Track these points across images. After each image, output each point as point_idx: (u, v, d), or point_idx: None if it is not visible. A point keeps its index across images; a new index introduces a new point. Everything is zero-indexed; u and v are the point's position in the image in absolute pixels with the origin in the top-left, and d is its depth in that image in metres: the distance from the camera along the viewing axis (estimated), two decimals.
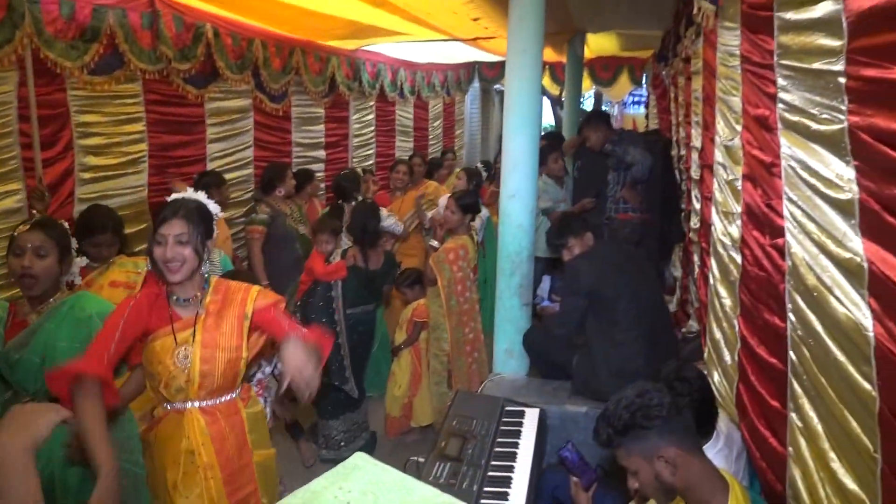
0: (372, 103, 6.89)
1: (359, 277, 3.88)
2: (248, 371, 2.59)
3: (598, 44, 7.80)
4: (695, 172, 3.55)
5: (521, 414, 2.83)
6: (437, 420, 4.13)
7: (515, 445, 2.58)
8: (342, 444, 3.85)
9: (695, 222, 3.50)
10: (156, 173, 4.24)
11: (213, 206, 2.19)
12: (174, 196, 2.16)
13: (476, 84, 9.89)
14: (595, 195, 5.23)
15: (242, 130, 5.09)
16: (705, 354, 2.85)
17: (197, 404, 2.08)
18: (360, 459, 1.95)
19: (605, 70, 8.96)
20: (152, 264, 2.06)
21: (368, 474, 1.87)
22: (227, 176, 4.92)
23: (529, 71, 3.41)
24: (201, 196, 2.19)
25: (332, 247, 3.84)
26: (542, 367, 3.48)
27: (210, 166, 4.75)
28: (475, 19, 4.78)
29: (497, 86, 10.78)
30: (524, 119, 3.42)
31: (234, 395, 2.15)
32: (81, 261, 2.50)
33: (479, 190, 5.44)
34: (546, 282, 5.56)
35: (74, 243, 2.39)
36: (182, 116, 4.45)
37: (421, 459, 2.47)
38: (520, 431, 2.69)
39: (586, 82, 8.76)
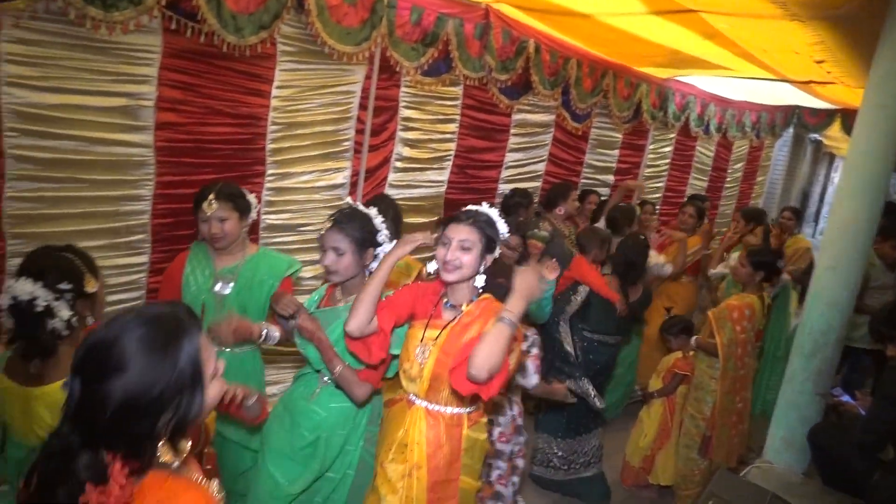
0: (672, 135, 6.57)
1: (607, 307, 3.72)
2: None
3: None
4: None
5: None
6: (678, 483, 3.79)
7: None
8: (561, 467, 3.72)
9: None
10: (457, 172, 4.51)
11: (501, 226, 2.16)
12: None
13: (790, 130, 8.87)
14: None
15: (540, 144, 5.18)
16: None
17: (424, 404, 2.12)
18: None
19: None
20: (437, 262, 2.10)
21: None
22: (516, 186, 5.06)
23: (884, 128, 2.89)
24: (494, 212, 2.17)
25: (602, 258, 3.76)
26: (827, 471, 2.95)
27: (504, 174, 4.92)
28: (819, 62, 4.24)
29: (813, 135, 9.56)
30: (867, 181, 2.91)
31: (462, 411, 2.13)
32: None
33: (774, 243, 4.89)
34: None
35: None
36: (490, 123, 4.67)
37: None
38: None
39: None
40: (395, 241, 2.32)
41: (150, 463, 1.11)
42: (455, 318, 2.11)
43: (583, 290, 3.73)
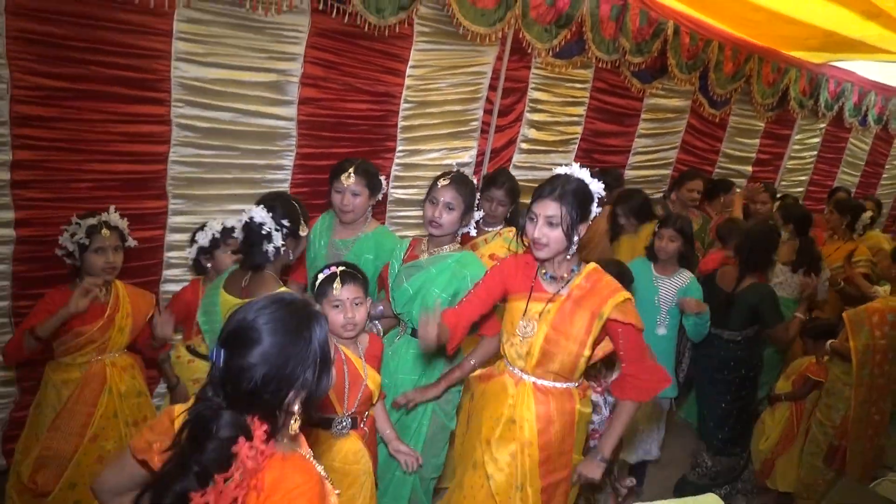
0: (822, 126, 6.08)
1: (717, 297, 3.47)
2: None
3: None
4: None
5: None
6: (800, 492, 3.59)
7: None
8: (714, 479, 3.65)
9: None
10: (583, 156, 4.47)
11: (596, 186, 2.05)
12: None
13: None
14: None
15: (673, 131, 5.01)
16: None
17: (533, 380, 2.09)
18: (712, 500, 1.80)
19: None
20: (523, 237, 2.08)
21: None
22: (645, 173, 4.94)
23: None
24: (585, 174, 2.05)
25: None
26: None
27: (632, 160, 4.82)
28: None
29: None
30: None
31: (571, 385, 2.12)
32: (478, 214, 2.64)
33: None
34: None
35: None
36: (620, 107, 4.58)
37: None
38: None
39: None
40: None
41: (279, 431, 1.25)
42: (559, 290, 2.06)
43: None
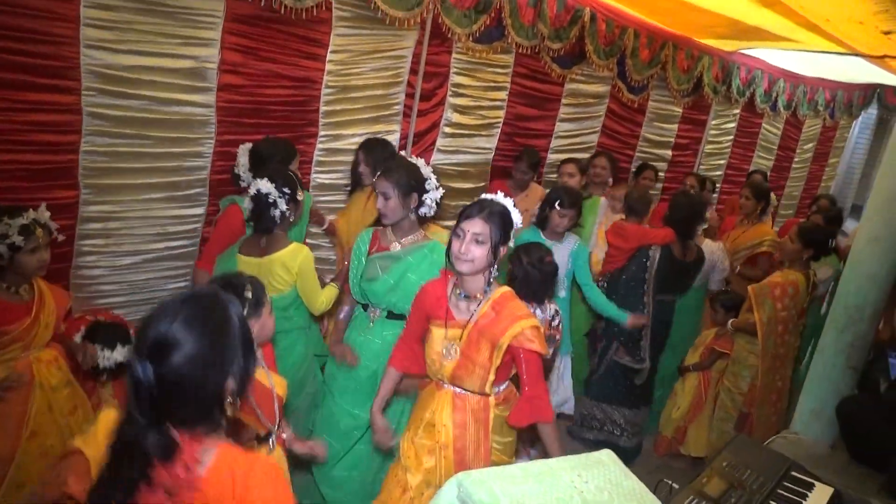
0: (736, 111, 6.39)
1: (673, 266, 3.74)
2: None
3: None
4: None
5: (809, 486, 2.43)
6: (711, 455, 3.82)
7: None
8: (611, 431, 3.83)
9: None
10: (505, 140, 4.59)
11: (516, 216, 2.20)
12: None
13: (873, 111, 8.39)
14: None
15: (594, 115, 5.18)
16: None
17: (452, 388, 2.23)
18: (606, 457, 1.91)
19: None
20: (447, 254, 2.18)
21: (610, 473, 1.82)
22: (567, 157, 5.08)
23: None
24: (509, 203, 2.20)
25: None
26: (853, 446, 2.93)
27: (554, 144, 4.96)
28: (887, 32, 4.05)
29: None
30: None
31: (487, 396, 2.23)
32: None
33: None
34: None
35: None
36: (541, 92, 4.71)
37: (675, 486, 2.31)
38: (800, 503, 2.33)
39: None
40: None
41: (218, 426, 1.27)
42: (470, 317, 2.17)
43: (653, 254, 3.74)
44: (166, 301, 1.27)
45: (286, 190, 2.66)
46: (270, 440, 2.10)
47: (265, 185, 2.63)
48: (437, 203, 2.74)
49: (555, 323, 3.03)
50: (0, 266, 2.34)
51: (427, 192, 2.71)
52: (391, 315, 2.74)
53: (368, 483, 2.84)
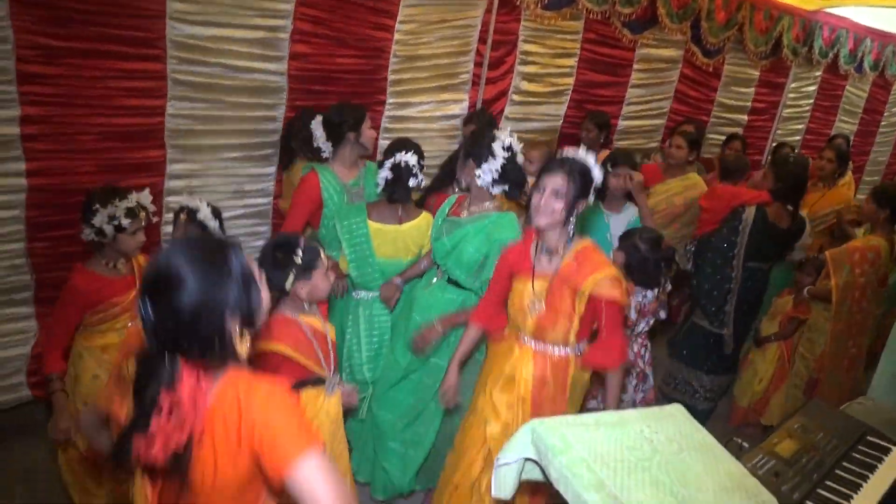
0: (818, 74, 6.07)
1: (767, 231, 3.46)
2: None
3: None
4: None
5: (886, 451, 2.36)
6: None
7: (864, 479, 2.19)
8: (690, 393, 3.72)
9: None
10: (574, 107, 4.55)
11: (597, 172, 2.17)
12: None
13: None
14: None
15: (666, 81, 5.05)
16: None
17: (533, 344, 2.26)
18: (677, 410, 1.92)
19: None
20: (526, 207, 2.21)
21: (681, 426, 1.83)
22: (638, 123, 5.00)
23: None
24: (591, 159, 2.18)
25: None
26: None
27: (625, 111, 4.88)
28: None
29: None
30: None
31: (569, 352, 2.25)
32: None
33: None
34: None
35: None
36: (612, 58, 4.63)
37: (745, 444, 2.29)
38: (875, 467, 2.26)
39: None
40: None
41: (227, 359, 1.31)
42: (555, 268, 2.20)
43: (746, 217, 3.49)
44: (169, 244, 1.33)
45: (422, 162, 2.76)
46: (328, 384, 2.13)
47: (408, 157, 2.69)
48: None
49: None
50: (101, 243, 2.45)
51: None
52: (450, 280, 2.74)
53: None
